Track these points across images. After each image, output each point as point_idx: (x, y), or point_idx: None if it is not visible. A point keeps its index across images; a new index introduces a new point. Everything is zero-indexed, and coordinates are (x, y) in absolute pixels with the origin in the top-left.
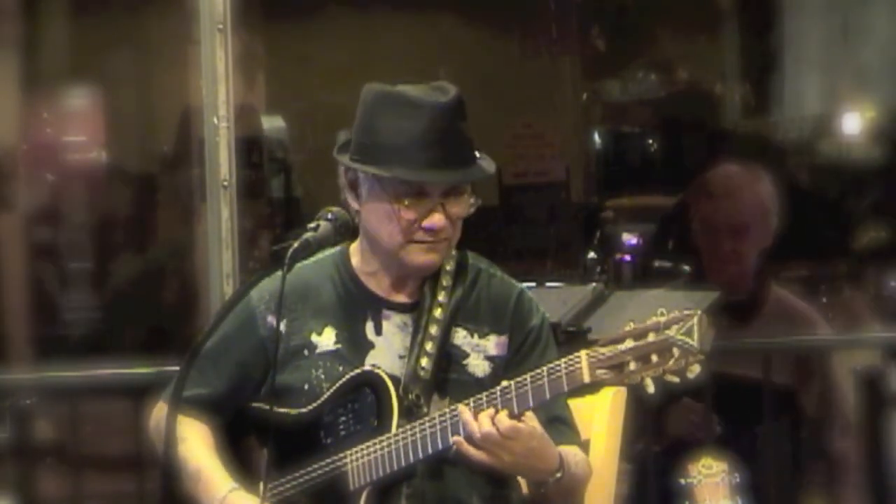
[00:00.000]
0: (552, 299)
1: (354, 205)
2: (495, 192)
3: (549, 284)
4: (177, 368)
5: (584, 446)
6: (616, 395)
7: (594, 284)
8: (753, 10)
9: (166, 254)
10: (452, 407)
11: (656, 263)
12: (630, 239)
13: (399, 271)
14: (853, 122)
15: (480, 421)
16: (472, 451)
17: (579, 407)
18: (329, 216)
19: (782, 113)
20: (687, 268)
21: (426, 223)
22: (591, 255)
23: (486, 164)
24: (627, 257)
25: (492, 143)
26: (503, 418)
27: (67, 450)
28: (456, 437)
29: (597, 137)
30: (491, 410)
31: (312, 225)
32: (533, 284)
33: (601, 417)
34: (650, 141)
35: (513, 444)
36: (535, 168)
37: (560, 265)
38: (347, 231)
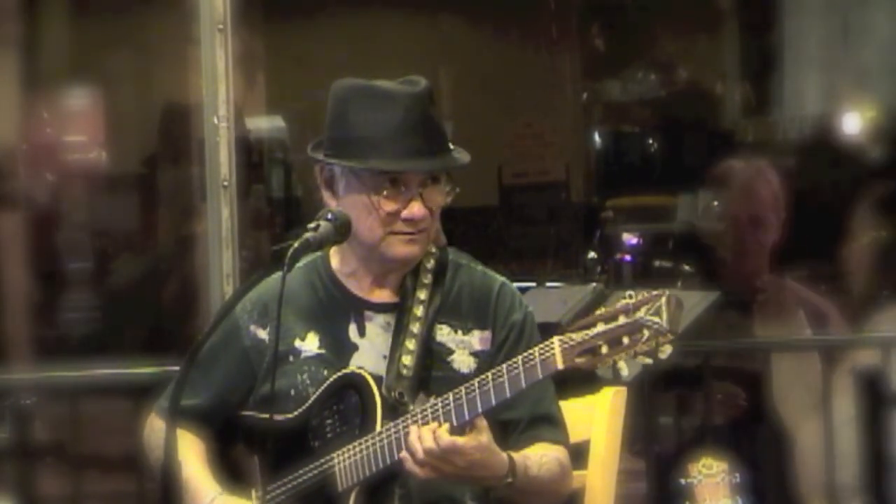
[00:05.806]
0: (552, 299)
1: (332, 203)
2: (495, 192)
3: (549, 284)
4: (177, 368)
5: (584, 446)
6: (616, 395)
7: (594, 284)
8: (753, 10)
9: (166, 253)
10: (433, 402)
11: (656, 263)
12: (630, 239)
13: (379, 268)
14: (853, 122)
15: (423, 438)
16: (414, 467)
17: (579, 407)
18: (329, 216)
19: (782, 113)
20: (687, 267)
21: (406, 213)
22: (591, 254)
23: (460, 154)
24: (627, 257)
25: (492, 143)
26: (443, 435)
27: (67, 450)
28: (402, 454)
29: (597, 137)
30: (434, 425)
31: (312, 225)
32: (533, 284)
33: (601, 417)
34: (650, 141)
35: (454, 459)
36: (535, 168)
37: (560, 265)
38: (347, 231)
